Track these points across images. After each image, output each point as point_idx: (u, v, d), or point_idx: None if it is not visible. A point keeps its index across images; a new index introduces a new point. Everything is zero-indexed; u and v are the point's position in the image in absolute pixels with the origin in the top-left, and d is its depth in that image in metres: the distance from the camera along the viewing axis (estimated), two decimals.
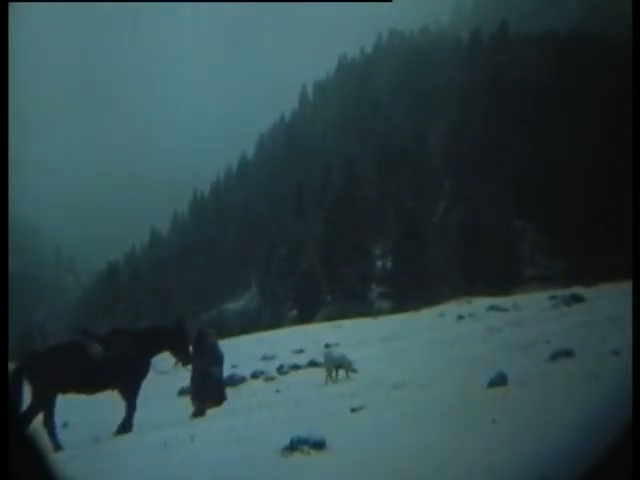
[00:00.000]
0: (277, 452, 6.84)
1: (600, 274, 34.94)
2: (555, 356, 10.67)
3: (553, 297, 27.88)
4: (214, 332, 12.43)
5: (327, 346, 24.21)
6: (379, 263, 67.99)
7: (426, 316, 33.87)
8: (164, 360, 11.78)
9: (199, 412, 11.43)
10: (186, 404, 14.52)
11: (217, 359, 11.70)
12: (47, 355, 11.14)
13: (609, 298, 21.41)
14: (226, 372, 17.71)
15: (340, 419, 8.57)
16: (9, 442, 2.69)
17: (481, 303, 33.36)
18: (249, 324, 56.65)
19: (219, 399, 11.58)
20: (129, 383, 11.08)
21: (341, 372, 14.95)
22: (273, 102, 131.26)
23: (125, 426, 10.87)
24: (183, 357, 11.55)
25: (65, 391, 10.75)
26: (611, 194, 49.15)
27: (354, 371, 14.87)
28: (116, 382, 11.01)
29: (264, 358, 22.92)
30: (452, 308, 34.58)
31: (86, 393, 11.13)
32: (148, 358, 11.37)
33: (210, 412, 12.37)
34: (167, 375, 11.70)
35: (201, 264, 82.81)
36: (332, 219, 67.21)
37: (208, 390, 11.45)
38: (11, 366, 9.63)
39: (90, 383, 10.89)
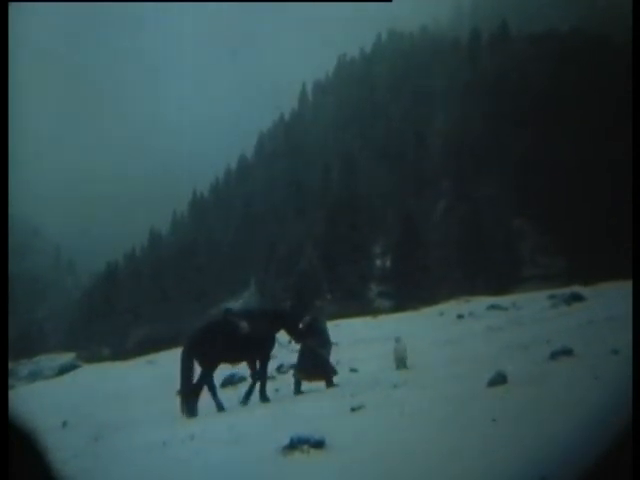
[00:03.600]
0: (277, 451, 6.84)
1: (600, 273, 34.91)
2: (555, 355, 10.64)
3: (553, 296, 27.81)
4: (325, 319, 14.09)
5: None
6: (379, 262, 67.98)
7: (426, 315, 33.82)
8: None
9: (298, 388, 13.00)
10: None
11: (326, 342, 13.26)
12: (210, 330, 13.14)
13: (609, 297, 21.38)
14: (226, 372, 17.77)
15: (340, 418, 8.57)
16: (9, 442, 2.68)
17: (481, 302, 33.30)
18: None
19: (327, 375, 12.97)
20: (263, 356, 12.99)
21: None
22: (272, 101, 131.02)
23: (263, 395, 12.77)
24: (296, 336, 13.23)
25: (221, 361, 12.89)
26: (611, 193, 49.15)
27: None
28: (255, 354, 12.93)
29: None
30: (452, 307, 34.51)
31: (233, 363, 13.51)
32: (274, 334, 13.18)
33: (208, 411, 12.39)
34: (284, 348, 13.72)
35: (200, 263, 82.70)
36: (332, 218, 67.19)
37: (317, 367, 12.90)
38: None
39: (238, 355, 12.93)
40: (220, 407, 12.40)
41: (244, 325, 12.78)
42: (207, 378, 12.65)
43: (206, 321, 14.20)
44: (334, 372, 13.12)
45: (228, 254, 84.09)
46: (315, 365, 12.93)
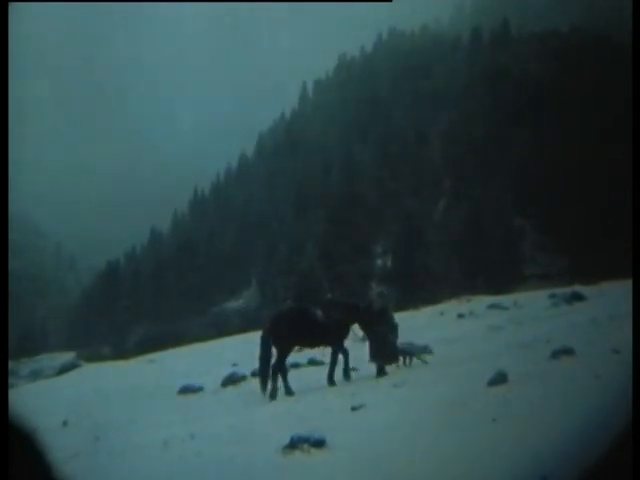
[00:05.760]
0: (277, 451, 6.84)
1: (601, 272, 34.87)
2: (556, 354, 10.61)
3: (554, 295, 27.70)
4: (391, 307, 15.32)
5: None
6: (379, 262, 67.97)
7: (426, 314, 33.74)
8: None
9: (381, 371, 13.69)
10: (186, 403, 14.52)
11: (394, 328, 14.24)
12: (286, 317, 14.19)
13: (610, 296, 21.34)
14: (226, 370, 17.75)
15: (340, 418, 8.57)
16: (9, 442, 2.68)
17: (481, 301, 33.20)
18: (249, 322, 56.61)
19: (394, 359, 13.99)
20: (339, 343, 13.89)
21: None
22: (273, 101, 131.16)
23: (330, 379, 13.47)
24: (369, 327, 13.99)
25: (296, 345, 14.00)
26: (612, 193, 49.12)
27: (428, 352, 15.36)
28: (329, 341, 13.86)
29: None
30: (452, 306, 34.41)
31: (309, 347, 14.48)
32: (350, 325, 14.08)
33: (209, 411, 12.39)
34: (358, 341, 14.75)
35: (201, 262, 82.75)
36: (332, 218, 67.20)
37: (387, 352, 13.82)
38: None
39: (312, 340, 13.89)
40: (289, 391, 13.18)
41: (319, 313, 13.85)
42: (283, 361, 13.62)
43: (285, 307, 16.59)
44: (397, 358, 14.11)
45: (229, 253, 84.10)
46: (384, 350, 13.85)
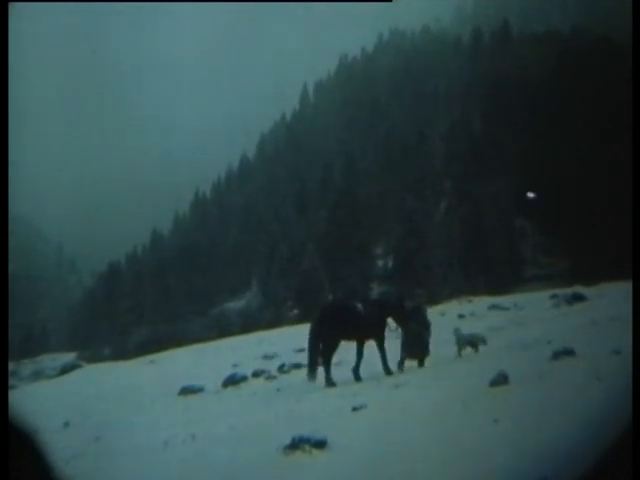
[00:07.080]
0: (278, 451, 6.84)
1: (601, 273, 34.87)
2: (556, 355, 10.59)
3: (554, 296, 27.73)
4: (425, 307, 16.10)
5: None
6: (380, 262, 67.98)
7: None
8: None
9: (401, 365, 14.38)
10: (187, 403, 14.53)
11: (427, 326, 14.92)
12: (332, 311, 15.01)
13: (611, 297, 21.35)
14: (227, 371, 17.77)
15: (341, 418, 8.56)
16: (9, 443, 2.68)
17: (482, 302, 33.20)
18: (250, 323, 56.70)
19: (425, 354, 14.62)
20: (379, 336, 14.34)
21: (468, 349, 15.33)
22: (274, 101, 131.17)
23: (386, 368, 14.04)
24: (403, 323, 14.60)
25: (342, 338, 14.23)
26: (612, 193, 49.09)
27: (484, 343, 15.54)
28: (370, 334, 14.31)
29: (265, 357, 22.82)
30: (453, 307, 34.40)
31: (351, 340, 14.47)
32: (386, 319, 14.56)
33: (210, 412, 12.39)
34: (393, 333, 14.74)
35: (202, 264, 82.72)
36: (333, 218, 67.22)
37: (419, 348, 14.56)
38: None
39: (355, 333, 14.28)
40: (330, 383, 13.46)
41: (360, 308, 14.42)
42: (330, 353, 14.04)
43: (329, 302, 16.49)
44: (428, 353, 14.63)
45: (230, 254, 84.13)
46: (417, 346, 14.54)
